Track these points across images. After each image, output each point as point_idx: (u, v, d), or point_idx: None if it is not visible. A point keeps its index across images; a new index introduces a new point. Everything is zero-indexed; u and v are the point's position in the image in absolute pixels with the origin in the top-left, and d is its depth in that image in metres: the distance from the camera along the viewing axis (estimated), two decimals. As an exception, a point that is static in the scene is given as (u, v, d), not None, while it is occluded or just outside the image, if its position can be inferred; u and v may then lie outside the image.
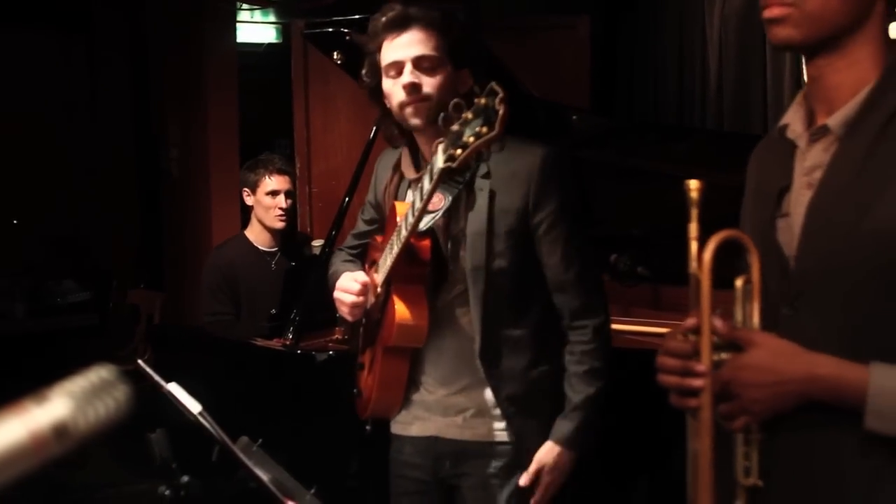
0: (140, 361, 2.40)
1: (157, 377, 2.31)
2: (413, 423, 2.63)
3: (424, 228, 2.41)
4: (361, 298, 2.58)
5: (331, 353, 3.46)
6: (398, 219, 2.46)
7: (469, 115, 2.09)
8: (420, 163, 2.55)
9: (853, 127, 1.59)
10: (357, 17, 3.79)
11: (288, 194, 4.56)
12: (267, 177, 4.53)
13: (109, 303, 6.91)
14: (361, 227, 2.85)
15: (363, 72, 2.56)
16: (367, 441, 2.73)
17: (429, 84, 2.42)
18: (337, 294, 2.63)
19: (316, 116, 6.06)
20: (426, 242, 2.45)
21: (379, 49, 2.48)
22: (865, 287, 1.54)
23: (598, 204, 4.17)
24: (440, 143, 2.17)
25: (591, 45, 6.42)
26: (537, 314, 2.53)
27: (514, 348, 2.50)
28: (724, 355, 1.58)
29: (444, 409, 2.57)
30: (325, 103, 6.03)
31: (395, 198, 2.62)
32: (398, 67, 2.44)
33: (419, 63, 2.42)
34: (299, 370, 3.52)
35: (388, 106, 2.52)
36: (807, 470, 1.59)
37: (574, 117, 3.97)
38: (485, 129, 2.06)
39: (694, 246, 1.58)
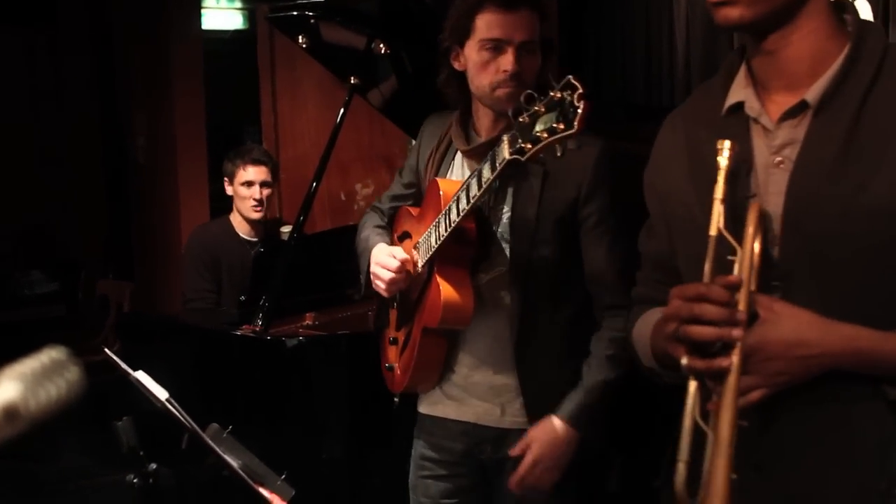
0: (107, 350, 2.39)
1: (124, 365, 2.29)
2: (450, 407, 2.58)
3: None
4: (401, 275, 2.51)
5: (301, 338, 3.45)
6: (441, 198, 2.41)
7: (541, 108, 1.99)
8: (470, 133, 2.50)
9: (828, 100, 1.55)
10: (322, 0, 3.77)
11: (264, 185, 4.53)
12: (242, 167, 4.52)
13: (78, 293, 6.86)
14: (398, 189, 2.77)
15: (444, 33, 2.46)
16: (396, 410, 2.69)
17: (528, 71, 2.36)
18: (374, 269, 2.56)
19: (283, 103, 6.04)
20: (472, 224, 2.39)
21: (474, 14, 2.39)
22: (861, 264, 1.51)
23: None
24: (507, 133, 2.09)
25: (559, 25, 6.42)
26: (573, 310, 2.49)
27: (547, 340, 2.46)
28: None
29: (481, 394, 2.52)
30: (292, 89, 6.00)
31: (439, 168, 2.55)
32: (500, 45, 2.36)
33: (523, 47, 2.36)
34: (269, 356, 3.50)
35: (461, 70, 2.45)
36: (818, 443, 1.55)
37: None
38: (561, 126, 1.95)
39: (719, 207, 1.54)
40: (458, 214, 2.29)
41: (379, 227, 2.76)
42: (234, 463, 2.14)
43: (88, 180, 7.37)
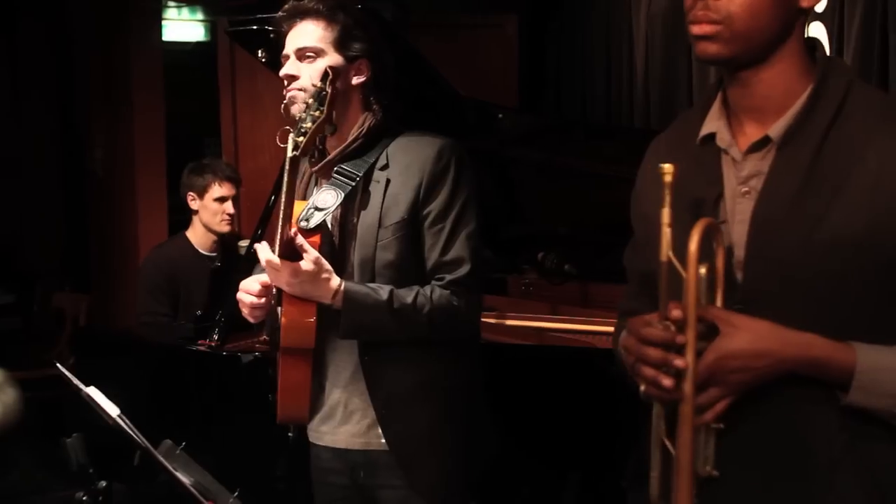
0: (59, 365, 2.37)
1: (75, 381, 2.27)
2: (324, 432, 2.54)
3: (314, 226, 2.36)
4: (262, 300, 2.48)
5: (257, 354, 3.43)
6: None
7: (310, 100, 2.23)
8: (324, 152, 2.51)
9: (791, 136, 1.63)
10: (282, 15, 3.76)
11: (234, 200, 4.57)
12: (217, 183, 4.54)
13: (34, 306, 6.79)
14: None
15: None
16: (292, 445, 2.68)
17: (306, 74, 2.42)
18: (239, 295, 2.53)
19: (243, 115, 6.03)
20: (315, 239, 2.38)
21: (285, 38, 2.49)
22: (818, 292, 1.58)
23: (525, 202, 4.17)
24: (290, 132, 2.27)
25: (518, 44, 6.45)
26: None
27: (394, 348, 2.43)
28: (702, 343, 1.57)
29: (345, 415, 2.49)
30: (252, 102, 5.99)
31: (306, 192, 2.55)
32: (286, 58, 2.46)
33: (301, 54, 2.43)
34: (225, 372, 3.48)
35: None
36: (771, 445, 1.62)
37: (500, 115, 3.97)
38: (317, 113, 2.20)
39: (667, 232, 1.58)
40: (287, 225, 2.30)
41: None
42: (185, 480, 2.13)
43: (46, 192, 7.31)
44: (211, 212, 4.53)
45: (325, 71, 2.27)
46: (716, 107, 1.74)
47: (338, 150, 2.46)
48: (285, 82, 2.45)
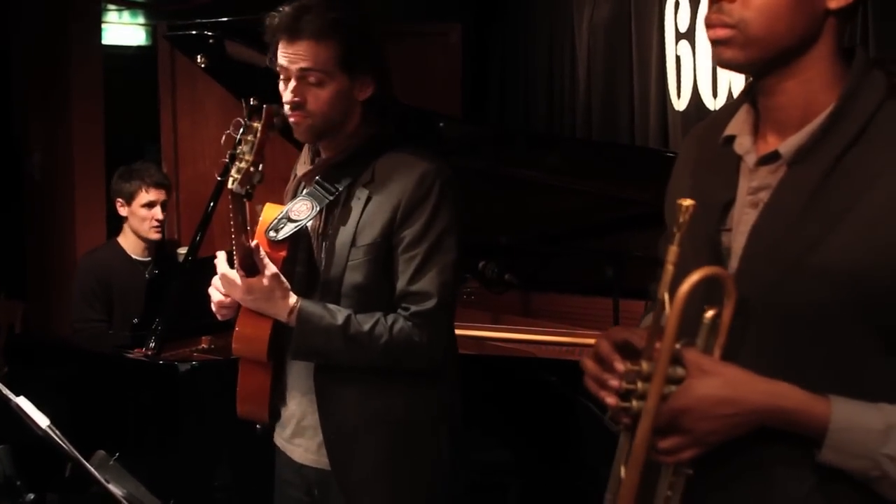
0: (-13, 374, 2.32)
1: (5, 391, 2.23)
2: (284, 438, 2.50)
3: (282, 238, 2.32)
4: (229, 300, 2.40)
5: (194, 363, 3.40)
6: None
7: (249, 136, 2.11)
8: (315, 158, 2.45)
9: (804, 154, 1.54)
10: (223, 20, 3.74)
11: (163, 205, 4.52)
12: (144, 189, 4.50)
13: (-34, 312, 6.66)
14: None
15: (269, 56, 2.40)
16: (235, 453, 2.65)
17: (313, 100, 2.30)
18: (210, 289, 2.45)
19: (183, 121, 5.99)
20: (282, 253, 2.34)
21: (275, 46, 2.35)
22: (802, 319, 1.51)
23: (466, 211, 4.18)
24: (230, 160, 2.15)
25: (462, 53, 6.47)
26: None
27: (351, 372, 2.37)
28: (672, 387, 1.50)
29: (299, 429, 2.45)
30: (192, 107, 5.95)
31: (294, 194, 2.49)
32: (286, 73, 2.32)
33: (305, 76, 2.29)
34: (161, 381, 3.44)
35: None
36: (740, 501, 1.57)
37: (442, 125, 3.97)
38: (249, 158, 2.10)
39: (669, 270, 1.50)
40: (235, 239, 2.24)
41: None
42: (117, 492, 2.09)
43: (-19, 196, 7.19)
44: (139, 218, 4.49)
45: (262, 111, 2.12)
46: (743, 109, 1.66)
47: (325, 159, 2.39)
48: (287, 105, 2.32)
